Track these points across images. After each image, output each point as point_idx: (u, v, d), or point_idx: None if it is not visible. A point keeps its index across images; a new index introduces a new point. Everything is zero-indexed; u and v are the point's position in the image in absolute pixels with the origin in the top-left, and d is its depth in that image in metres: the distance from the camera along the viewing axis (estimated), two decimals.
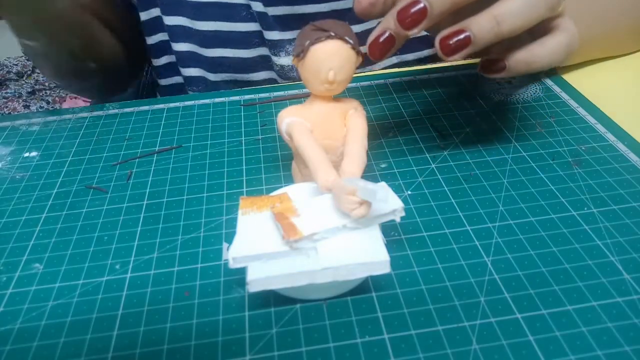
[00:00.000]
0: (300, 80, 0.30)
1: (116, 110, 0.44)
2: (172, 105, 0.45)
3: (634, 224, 0.30)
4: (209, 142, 0.40)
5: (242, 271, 0.25)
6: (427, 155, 0.37)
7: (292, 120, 0.30)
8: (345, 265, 0.24)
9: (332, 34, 0.28)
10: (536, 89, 0.43)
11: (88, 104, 0.52)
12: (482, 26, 0.28)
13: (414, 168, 0.36)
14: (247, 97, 0.45)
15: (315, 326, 0.26)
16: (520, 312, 0.26)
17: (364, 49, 0.30)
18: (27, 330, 0.27)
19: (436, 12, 0.27)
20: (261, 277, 0.24)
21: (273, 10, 0.48)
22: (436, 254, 0.29)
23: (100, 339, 0.26)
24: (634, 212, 0.31)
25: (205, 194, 0.35)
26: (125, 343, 0.26)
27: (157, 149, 0.39)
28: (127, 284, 0.29)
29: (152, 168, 0.37)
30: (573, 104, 0.41)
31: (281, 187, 0.32)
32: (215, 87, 0.53)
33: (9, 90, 1.84)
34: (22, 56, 2.01)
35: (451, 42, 0.28)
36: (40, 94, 1.83)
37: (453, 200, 0.33)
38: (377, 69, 0.52)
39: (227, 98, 0.45)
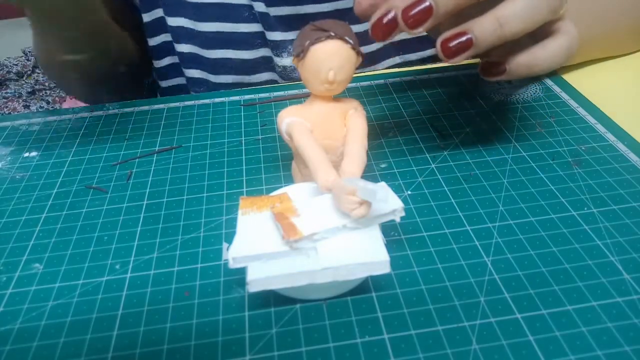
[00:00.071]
0: (301, 80, 0.30)
1: (116, 110, 0.44)
2: (172, 105, 0.45)
3: (634, 224, 0.30)
4: (209, 142, 0.40)
5: (242, 271, 0.25)
6: (427, 155, 0.37)
7: (292, 120, 0.30)
8: (345, 265, 0.24)
9: (332, 33, 0.28)
10: (536, 89, 0.43)
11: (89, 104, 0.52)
12: (484, 28, 0.28)
13: (414, 168, 0.36)
14: (247, 97, 0.45)
15: (315, 326, 0.26)
16: (520, 312, 0.26)
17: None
18: (27, 330, 0.27)
19: (441, 11, 0.27)
20: (261, 277, 0.24)
21: (275, 11, 0.48)
22: (436, 254, 0.29)
23: (100, 339, 0.26)
24: (634, 212, 0.31)
25: (205, 194, 0.35)
26: (125, 343, 0.26)
27: (157, 149, 0.39)
28: (127, 284, 0.29)
29: (152, 168, 0.37)
30: (573, 104, 0.41)
31: (281, 187, 0.32)
32: (217, 89, 0.53)
33: (9, 90, 1.84)
34: (22, 56, 2.01)
35: (452, 44, 0.28)
36: (40, 94, 1.83)
37: (453, 200, 0.33)
38: (379, 69, 0.52)
39: (227, 98, 0.45)
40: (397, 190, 0.33)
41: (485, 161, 0.36)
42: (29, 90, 1.84)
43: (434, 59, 0.54)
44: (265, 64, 0.52)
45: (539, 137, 0.38)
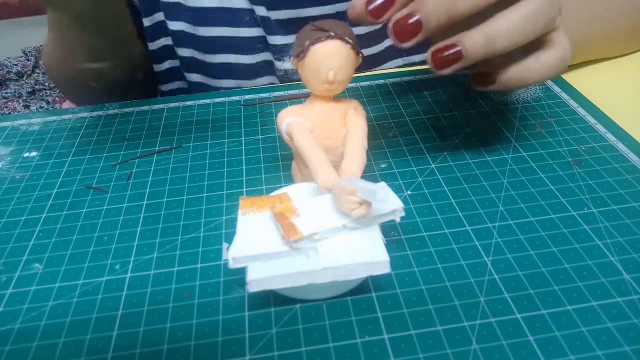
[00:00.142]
0: (301, 81, 0.30)
1: (116, 110, 0.44)
2: (172, 105, 0.45)
3: (634, 224, 0.30)
4: (209, 142, 0.40)
5: (242, 271, 0.25)
6: (427, 155, 0.37)
7: (292, 120, 0.30)
8: (345, 265, 0.24)
9: (332, 33, 0.28)
10: (536, 89, 0.43)
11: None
12: (474, 41, 0.27)
13: (414, 168, 0.36)
14: (247, 97, 0.45)
15: (315, 326, 0.26)
16: (520, 312, 0.26)
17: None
18: (27, 330, 0.27)
19: (432, 25, 0.27)
20: (261, 277, 0.24)
21: (276, 15, 0.47)
22: (436, 254, 0.29)
23: (100, 339, 0.26)
24: (634, 212, 0.31)
25: (205, 194, 0.35)
26: (125, 343, 0.26)
27: (157, 149, 0.39)
28: (127, 284, 0.29)
29: (152, 168, 0.37)
30: (573, 104, 0.41)
31: (281, 187, 0.32)
32: None
33: (9, 90, 1.84)
34: (22, 56, 2.01)
35: (442, 55, 0.28)
36: (40, 94, 1.83)
37: (453, 200, 0.33)
38: (381, 70, 0.52)
39: (227, 98, 0.45)
40: (397, 190, 0.33)
41: (485, 161, 0.36)
42: (29, 90, 1.84)
43: None
44: (267, 68, 0.51)
45: (539, 137, 0.38)
